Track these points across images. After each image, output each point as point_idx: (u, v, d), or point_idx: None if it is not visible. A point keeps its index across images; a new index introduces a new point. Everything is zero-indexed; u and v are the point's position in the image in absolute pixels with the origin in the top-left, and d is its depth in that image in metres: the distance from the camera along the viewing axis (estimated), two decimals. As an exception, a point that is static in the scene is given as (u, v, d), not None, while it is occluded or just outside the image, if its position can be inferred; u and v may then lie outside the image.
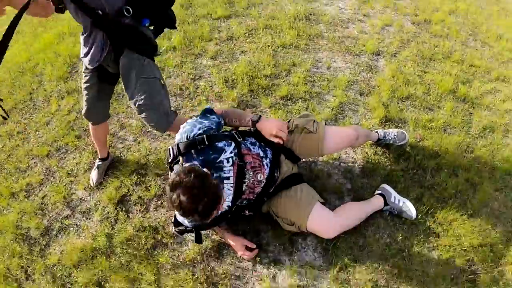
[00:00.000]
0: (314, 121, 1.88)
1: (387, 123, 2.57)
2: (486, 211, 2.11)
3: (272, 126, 1.70)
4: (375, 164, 2.27)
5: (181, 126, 1.65)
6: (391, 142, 2.26)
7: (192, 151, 1.54)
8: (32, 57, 4.12)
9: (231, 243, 1.80)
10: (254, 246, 1.79)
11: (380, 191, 2.02)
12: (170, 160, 1.60)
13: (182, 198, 1.27)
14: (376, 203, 1.97)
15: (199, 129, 1.60)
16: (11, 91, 3.56)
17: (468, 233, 1.95)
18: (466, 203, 2.12)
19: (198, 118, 1.70)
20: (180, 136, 1.61)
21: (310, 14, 4.04)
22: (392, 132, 2.27)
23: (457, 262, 1.85)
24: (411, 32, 3.97)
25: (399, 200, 1.98)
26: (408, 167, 2.26)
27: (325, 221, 1.72)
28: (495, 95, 3.18)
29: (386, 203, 1.97)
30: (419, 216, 1.99)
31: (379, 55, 3.41)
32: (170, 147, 1.59)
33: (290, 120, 1.92)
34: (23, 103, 3.30)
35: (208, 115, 1.71)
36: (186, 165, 1.49)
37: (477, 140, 2.59)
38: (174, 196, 1.29)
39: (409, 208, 1.95)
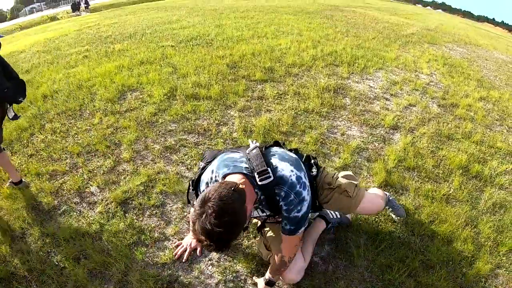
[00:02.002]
0: (356, 185, 1.93)
1: (386, 187, 2.75)
2: (483, 286, 2.11)
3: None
4: (363, 221, 2.39)
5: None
6: (391, 211, 2.41)
7: None
8: (92, 78, 4.85)
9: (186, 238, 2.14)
10: (194, 252, 2.08)
11: (317, 214, 2.21)
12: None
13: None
14: (319, 226, 2.17)
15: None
16: (66, 99, 4.21)
17: None
18: (458, 273, 2.13)
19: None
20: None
21: (339, 88, 4.57)
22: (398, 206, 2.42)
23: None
24: (434, 113, 4.29)
25: (334, 214, 2.20)
26: (397, 229, 2.37)
27: (294, 273, 1.90)
28: None
29: (327, 222, 2.18)
30: (398, 274, 2.05)
31: (396, 129, 3.73)
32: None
33: (334, 174, 1.97)
34: (72, 111, 3.90)
35: None
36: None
37: (484, 215, 2.66)
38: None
39: (346, 216, 2.20)
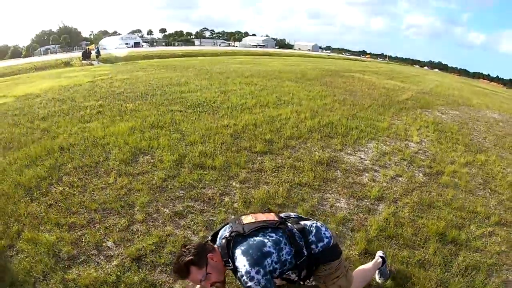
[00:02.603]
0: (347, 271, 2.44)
1: (366, 255, 3.18)
2: None
3: None
4: None
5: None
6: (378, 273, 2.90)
7: None
8: (106, 136, 5.44)
9: None
10: None
11: (381, 254, 2.76)
12: None
13: None
14: (377, 261, 2.71)
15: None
16: (82, 154, 4.77)
17: None
18: None
19: None
20: None
21: (332, 161, 5.18)
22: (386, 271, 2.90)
23: None
24: (419, 182, 4.84)
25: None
26: None
27: None
28: (490, 238, 3.73)
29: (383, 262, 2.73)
30: None
31: (380, 200, 4.25)
32: None
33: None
34: (88, 167, 4.44)
35: None
36: None
37: (455, 277, 3.05)
38: None
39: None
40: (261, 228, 2.18)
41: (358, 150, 5.91)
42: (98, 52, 26.55)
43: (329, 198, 4.21)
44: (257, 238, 2.12)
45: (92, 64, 18.59)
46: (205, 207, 3.73)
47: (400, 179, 4.96)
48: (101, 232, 3.21)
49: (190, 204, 3.75)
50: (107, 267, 2.82)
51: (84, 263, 2.86)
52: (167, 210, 3.60)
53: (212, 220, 3.49)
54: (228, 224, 2.27)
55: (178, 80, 11.49)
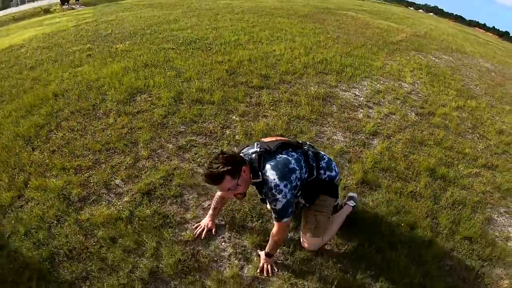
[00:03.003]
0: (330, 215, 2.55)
1: (362, 184, 3.34)
2: (438, 265, 2.66)
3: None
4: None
5: None
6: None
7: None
8: (100, 79, 5.26)
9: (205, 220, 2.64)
10: (210, 232, 2.59)
11: (352, 204, 2.79)
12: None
13: None
14: (345, 210, 2.73)
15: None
16: (77, 98, 4.63)
17: (411, 272, 2.52)
18: (417, 254, 2.68)
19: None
20: None
21: (328, 96, 5.15)
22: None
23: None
24: (411, 121, 4.91)
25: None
26: (369, 217, 2.93)
27: (316, 245, 2.49)
28: (476, 178, 3.91)
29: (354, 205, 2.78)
30: (369, 251, 2.58)
31: (375, 135, 4.32)
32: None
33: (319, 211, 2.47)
34: (85, 111, 4.32)
35: None
36: None
37: (444, 210, 3.26)
38: None
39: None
40: (284, 145, 2.31)
41: (352, 87, 5.81)
42: (77, -4, 25.10)
43: (326, 131, 4.24)
44: (283, 156, 2.24)
45: (73, 9, 17.58)
46: (208, 140, 3.69)
47: (393, 116, 4.97)
48: (108, 171, 3.19)
49: (193, 138, 3.72)
50: (118, 203, 2.83)
51: (95, 202, 2.87)
52: (171, 145, 3.56)
53: (216, 152, 3.45)
54: (248, 146, 2.35)
55: (167, 18, 10.94)
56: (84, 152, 3.50)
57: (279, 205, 2.12)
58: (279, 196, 2.10)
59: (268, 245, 2.36)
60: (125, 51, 6.84)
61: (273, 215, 2.20)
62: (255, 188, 2.34)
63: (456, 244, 2.90)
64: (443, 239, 2.92)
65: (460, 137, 4.85)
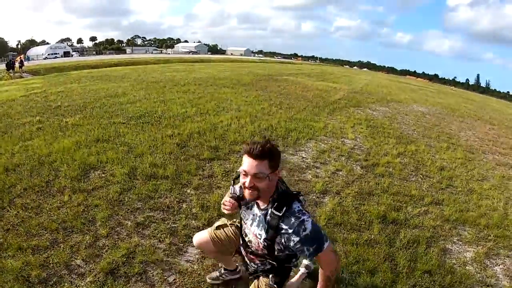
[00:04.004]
0: None
1: (329, 223, 3.59)
2: None
3: None
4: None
5: None
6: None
7: None
8: (51, 154, 5.25)
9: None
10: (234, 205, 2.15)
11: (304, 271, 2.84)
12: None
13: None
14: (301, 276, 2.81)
15: None
16: (29, 174, 4.58)
17: None
18: None
19: None
20: None
21: None
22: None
23: None
24: (358, 174, 5.36)
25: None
26: None
27: None
28: (426, 215, 4.30)
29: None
30: None
31: (325, 193, 4.65)
32: None
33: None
34: (39, 187, 4.28)
35: None
36: None
37: (400, 251, 3.52)
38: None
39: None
40: None
41: (299, 150, 6.34)
42: (21, 63, 24.65)
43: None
44: None
45: (22, 77, 17.21)
46: (166, 215, 3.83)
47: (340, 173, 5.45)
48: (67, 251, 3.17)
49: (150, 214, 3.83)
50: (82, 284, 2.81)
51: (57, 284, 2.82)
52: (129, 222, 3.64)
53: (175, 227, 3.61)
54: None
55: (115, 91, 11.17)
56: (41, 231, 3.46)
57: (308, 226, 1.86)
58: (304, 217, 1.89)
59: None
60: (76, 125, 6.89)
61: (309, 251, 1.89)
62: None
63: (417, 279, 3.15)
64: (404, 278, 3.13)
65: (405, 181, 5.40)
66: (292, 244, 1.91)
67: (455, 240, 4.02)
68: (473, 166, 6.92)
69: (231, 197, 2.17)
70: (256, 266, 2.27)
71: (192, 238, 3.25)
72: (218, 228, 2.57)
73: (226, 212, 2.18)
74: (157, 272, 3.00)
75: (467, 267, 3.53)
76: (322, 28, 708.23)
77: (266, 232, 2.00)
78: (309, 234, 1.86)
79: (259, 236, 2.07)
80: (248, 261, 2.32)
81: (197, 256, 3.22)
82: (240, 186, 2.07)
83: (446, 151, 7.53)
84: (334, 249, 2.04)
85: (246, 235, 2.23)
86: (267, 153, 1.83)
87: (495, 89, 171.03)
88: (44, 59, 48.94)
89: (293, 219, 1.88)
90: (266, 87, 14.54)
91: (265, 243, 2.04)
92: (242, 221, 2.25)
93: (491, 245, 3.96)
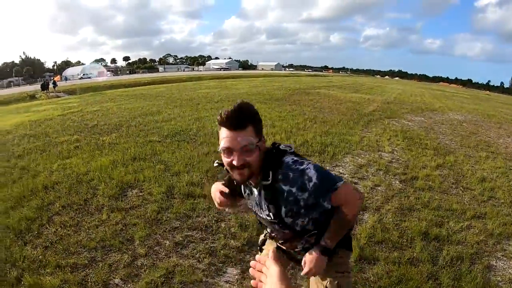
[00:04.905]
0: None
1: (361, 261, 3.44)
2: None
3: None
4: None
5: None
6: None
7: None
8: (89, 172, 5.45)
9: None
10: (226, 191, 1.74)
11: None
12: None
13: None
14: None
15: None
16: (68, 192, 4.76)
17: None
18: None
19: None
20: None
21: None
22: None
23: None
24: (397, 189, 5.20)
25: None
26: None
27: None
28: (468, 230, 4.10)
29: None
30: None
31: (365, 210, 4.54)
32: None
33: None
34: (77, 205, 4.44)
35: None
36: None
37: (443, 269, 3.37)
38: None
39: None
40: None
41: (336, 165, 6.24)
42: (54, 83, 26.17)
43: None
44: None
45: (58, 96, 18.22)
46: (204, 235, 3.84)
47: (379, 188, 5.31)
48: (106, 270, 3.24)
49: (189, 233, 3.85)
50: (121, 304, 2.87)
51: (95, 303, 2.90)
52: (168, 242, 3.68)
53: (214, 246, 3.60)
54: None
55: (150, 109, 11.56)
56: (79, 249, 3.56)
57: (312, 174, 1.53)
58: (303, 166, 1.55)
59: (327, 232, 1.70)
60: (112, 144, 7.13)
61: (326, 201, 1.61)
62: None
63: None
64: None
65: (446, 194, 5.19)
66: (303, 203, 1.58)
67: (499, 256, 3.79)
68: None
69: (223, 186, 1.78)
70: (303, 247, 1.84)
71: (230, 258, 3.27)
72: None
73: (219, 207, 1.83)
74: (197, 294, 2.99)
75: None
76: (351, 38, 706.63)
77: (270, 211, 1.65)
78: (318, 182, 1.52)
79: (272, 220, 1.69)
80: (293, 252, 1.93)
81: (236, 277, 3.18)
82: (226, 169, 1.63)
83: (486, 161, 7.18)
84: (354, 187, 1.75)
85: (267, 229, 1.88)
86: (248, 117, 1.48)
87: None
88: (79, 79, 51.61)
89: (291, 174, 1.54)
90: (299, 101, 14.56)
91: (280, 225, 1.69)
92: (256, 216, 1.86)
93: None
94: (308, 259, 1.70)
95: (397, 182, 5.62)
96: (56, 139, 7.58)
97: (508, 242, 4.08)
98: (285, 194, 1.56)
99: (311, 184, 1.53)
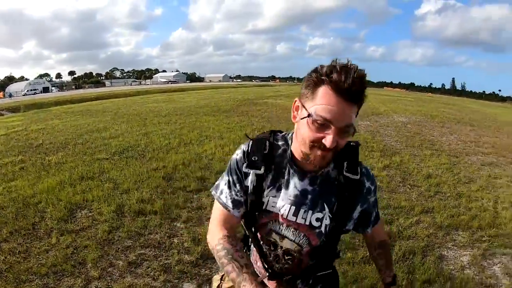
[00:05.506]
0: None
1: None
2: None
3: None
4: None
5: None
6: None
7: None
8: (36, 195, 5.17)
9: None
10: None
11: None
12: None
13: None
14: None
15: None
16: (15, 217, 4.50)
17: None
18: None
19: None
20: None
21: None
22: None
23: None
24: None
25: None
26: None
27: None
28: (418, 225, 4.31)
29: None
30: None
31: None
32: None
33: None
34: (25, 230, 4.20)
35: None
36: None
37: (397, 263, 3.53)
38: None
39: None
40: None
41: None
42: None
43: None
44: None
45: (2, 115, 16.93)
46: (158, 252, 3.81)
47: None
48: (59, 297, 3.14)
49: (142, 251, 3.80)
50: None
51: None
52: (121, 262, 3.60)
53: (168, 262, 3.59)
54: None
55: (97, 125, 11.13)
56: (30, 276, 3.37)
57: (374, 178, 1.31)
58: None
59: (384, 264, 1.48)
60: (59, 163, 6.82)
61: (376, 212, 1.35)
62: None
63: None
64: None
65: (394, 193, 5.49)
66: (366, 207, 1.30)
67: (450, 246, 4.08)
68: (458, 169, 7.12)
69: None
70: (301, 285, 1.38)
71: (185, 273, 3.29)
72: None
73: None
74: (154, 312, 2.98)
75: (465, 271, 3.58)
76: (297, 48, 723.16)
77: (331, 212, 1.23)
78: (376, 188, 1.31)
79: (316, 223, 1.22)
80: None
81: (191, 292, 3.21)
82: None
83: (431, 158, 7.71)
84: None
85: (276, 247, 1.31)
86: (364, 92, 1.05)
87: (470, 90, 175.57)
88: (23, 95, 48.26)
89: (364, 170, 1.27)
90: (247, 112, 14.73)
91: (327, 229, 1.24)
92: (271, 230, 1.30)
93: (486, 246, 4.04)
94: None
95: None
96: (0, 161, 7.09)
97: (457, 232, 4.40)
98: (365, 191, 1.26)
99: (375, 189, 1.30)
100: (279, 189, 1.24)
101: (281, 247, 1.29)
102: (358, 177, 1.21)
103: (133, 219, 4.48)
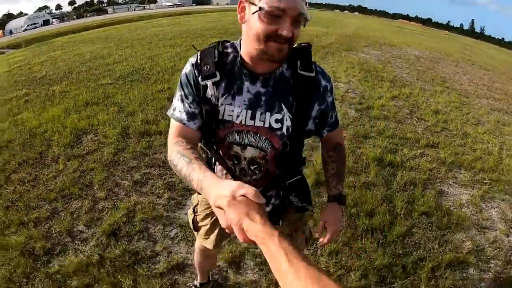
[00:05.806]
0: None
1: (317, 186, 3.44)
2: (401, 242, 2.78)
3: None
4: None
5: None
6: None
7: None
8: (42, 125, 5.00)
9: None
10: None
11: None
12: None
13: None
14: None
15: None
16: (22, 148, 4.38)
17: (380, 255, 2.63)
18: (380, 236, 2.81)
19: None
20: None
21: None
22: None
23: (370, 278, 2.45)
24: (352, 117, 5.19)
25: None
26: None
27: None
28: (421, 158, 4.20)
29: None
30: (336, 245, 2.66)
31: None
32: None
33: None
34: (33, 160, 4.09)
35: None
36: None
37: (397, 193, 3.46)
38: None
39: None
40: None
41: None
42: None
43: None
44: None
45: (3, 52, 16.45)
46: (162, 171, 3.68)
47: None
48: (68, 218, 3.05)
49: (147, 171, 3.68)
50: (86, 249, 2.72)
51: (63, 252, 2.72)
52: (126, 182, 3.50)
53: (172, 181, 3.47)
54: None
55: (100, 52, 10.62)
56: (40, 203, 3.32)
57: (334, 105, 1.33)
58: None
59: (334, 172, 1.43)
60: (63, 92, 6.56)
61: (334, 117, 1.38)
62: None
63: (415, 221, 3.10)
64: (402, 219, 3.08)
65: (400, 123, 5.23)
66: (324, 107, 1.28)
67: (451, 183, 3.90)
68: (467, 110, 6.64)
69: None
70: (274, 197, 1.37)
71: (189, 191, 3.15)
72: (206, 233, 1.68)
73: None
74: (158, 228, 2.91)
75: (463, 209, 3.44)
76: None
77: (290, 112, 1.18)
78: (335, 113, 1.35)
79: (276, 124, 1.18)
80: None
81: (198, 206, 3.09)
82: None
83: (441, 95, 7.23)
84: None
85: (239, 159, 1.26)
86: None
87: (489, 35, 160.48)
88: (23, 31, 46.65)
89: (319, 69, 1.25)
90: (254, 32, 13.82)
91: (290, 131, 1.20)
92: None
93: (486, 189, 3.83)
94: (333, 219, 1.34)
95: (353, 111, 5.54)
96: (4, 96, 6.86)
97: (459, 170, 4.17)
98: (321, 89, 1.23)
99: (332, 89, 1.30)
100: (233, 97, 1.17)
101: (245, 158, 1.25)
102: (313, 74, 1.19)
103: (138, 140, 4.31)
